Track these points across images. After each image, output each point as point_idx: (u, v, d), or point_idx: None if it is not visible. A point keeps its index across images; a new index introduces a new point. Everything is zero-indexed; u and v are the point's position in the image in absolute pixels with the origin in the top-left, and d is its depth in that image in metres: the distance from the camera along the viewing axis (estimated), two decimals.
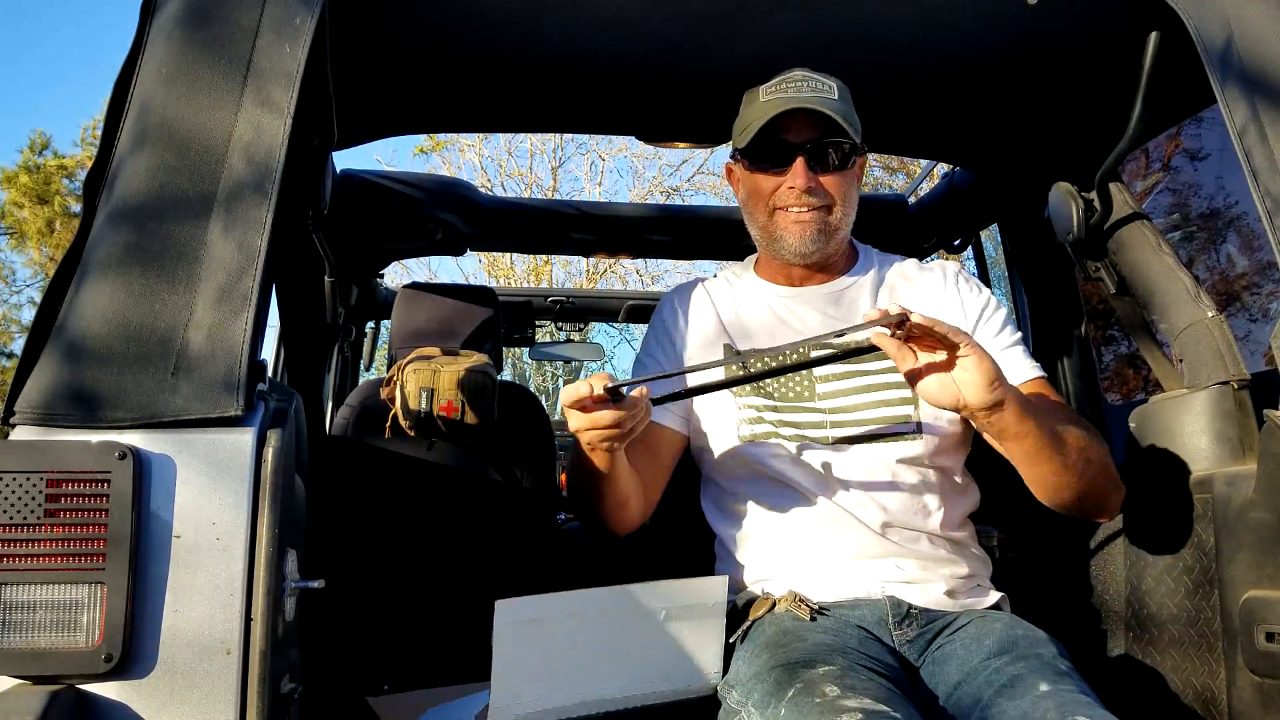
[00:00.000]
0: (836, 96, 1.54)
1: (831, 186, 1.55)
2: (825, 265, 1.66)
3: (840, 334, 1.38)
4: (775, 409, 1.57)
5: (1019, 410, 1.32)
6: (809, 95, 1.52)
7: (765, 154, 1.57)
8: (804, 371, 1.58)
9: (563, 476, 4.08)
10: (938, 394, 1.30)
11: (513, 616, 1.29)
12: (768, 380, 1.59)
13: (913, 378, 1.31)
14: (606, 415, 1.31)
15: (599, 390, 1.29)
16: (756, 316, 1.66)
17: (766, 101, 1.55)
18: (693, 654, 1.43)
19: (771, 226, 1.59)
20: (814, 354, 1.53)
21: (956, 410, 1.32)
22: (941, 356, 1.29)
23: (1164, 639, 1.67)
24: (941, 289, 1.63)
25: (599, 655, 1.37)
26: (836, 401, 1.56)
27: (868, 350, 1.36)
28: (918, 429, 1.54)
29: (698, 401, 1.63)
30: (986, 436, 1.40)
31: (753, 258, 1.76)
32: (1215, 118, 1.47)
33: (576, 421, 1.33)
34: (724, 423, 1.60)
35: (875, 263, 1.70)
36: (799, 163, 1.54)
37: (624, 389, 1.31)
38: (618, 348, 12.64)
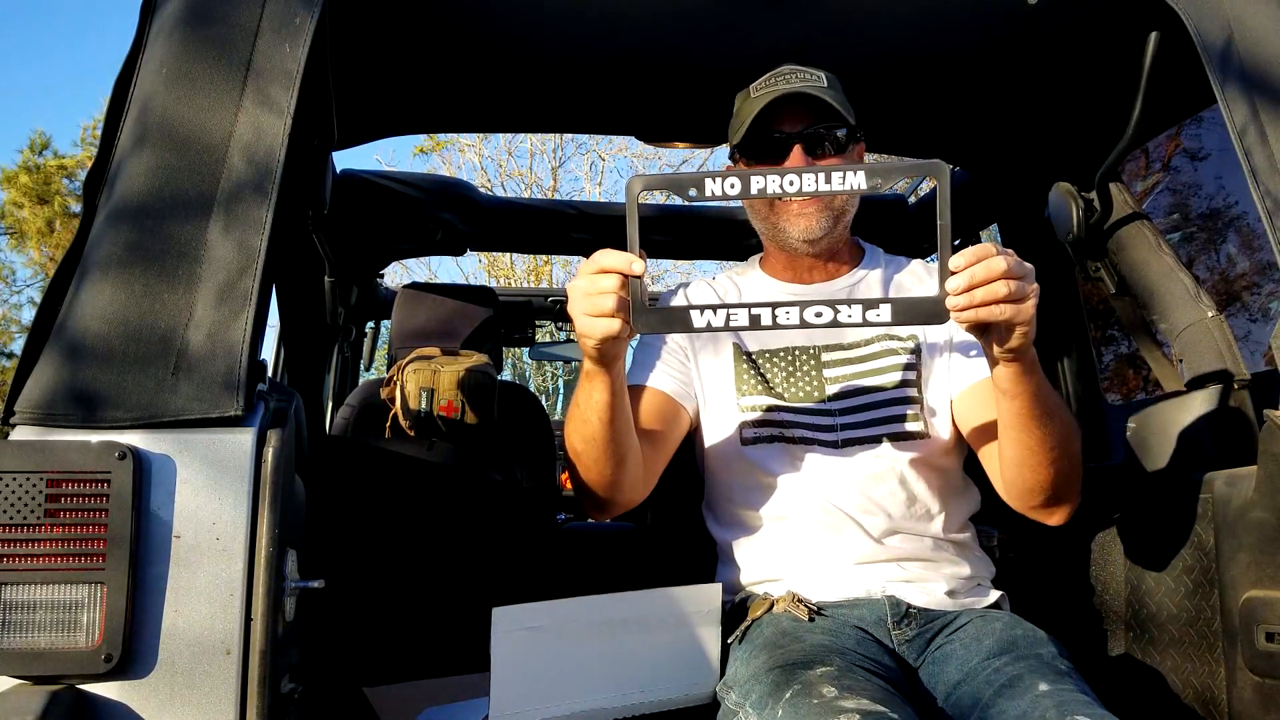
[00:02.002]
0: (826, 85, 1.55)
1: None
2: (832, 258, 1.65)
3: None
4: (782, 408, 1.56)
5: (1032, 365, 1.30)
6: (798, 84, 1.53)
7: (762, 147, 1.56)
8: (813, 370, 1.58)
9: (564, 476, 4.09)
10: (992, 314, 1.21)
11: (511, 624, 1.29)
12: (776, 378, 1.59)
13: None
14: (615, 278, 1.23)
15: (637, 269, 1.23)
16: None
17: (757, 96, 1.55)
18: (689, 661, 1.43)
19: (775, 218, 1.59)
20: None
21: (998, 325, 1.22)
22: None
23: (1164, 639, 1.67)
24: None
25: (596, 663, 1.38)
26: (847, 401, 1.56)
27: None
28: (925, 428, 1.54)
29: (701, 407, 1.63)
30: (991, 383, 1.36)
31: (756, 257, 1.76)
32: (1215, 118, 1.47)
33: (593, 279, 1.24)
34: (725, 427, 1.60)
35: (882, 261, 1.70)
36: (796, 150, 1.54)
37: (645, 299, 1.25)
38: None
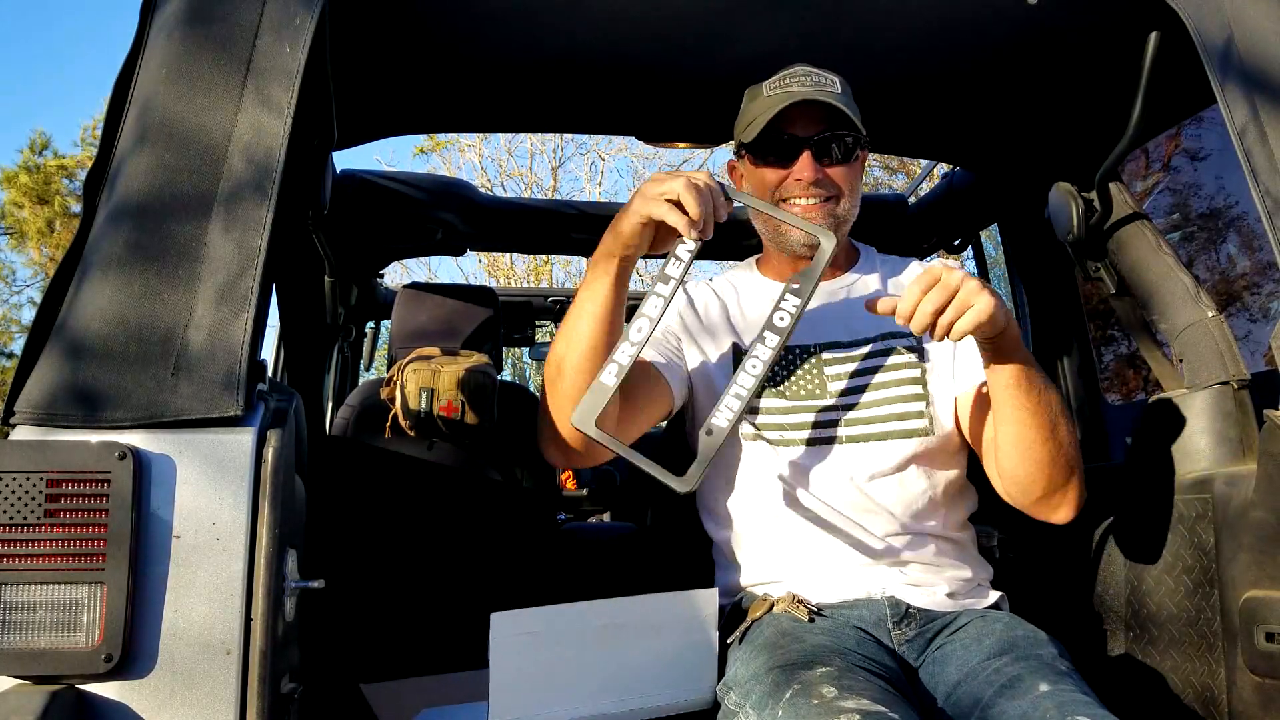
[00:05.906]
0: (839, 91, 1.55)
1: (838, 178, 1.55)
2: (831, 261, 1.66)
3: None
4: (786, 409, 1.56)
5: (1014, 343, 1.34)
6: (814, 89, 1.52)
7: (771, 147, 1.56)
8: (814, 368, 1.58)
9: (563, 476, 4.08)
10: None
11: (509, 629, 1.29)
12: (776, 377, 1.58)
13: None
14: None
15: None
16: (765, 315, 1.65)
17: (771, 96, 1.55)
18: (686, 666, 1.43)
19: (778, 221, 1.59)
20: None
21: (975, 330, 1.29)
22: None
23: (1164, 639, 1.67)
24: None
25: (594, 668, 1.38)
26: (851, 399, 1.56)
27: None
28: (929, 425, 1.54)
29: (697, 406, 1.62)
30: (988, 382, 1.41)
31: (754, 258, 1.76)
32: (1215, 118, 1.47)
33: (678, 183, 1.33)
34: None
35: (878, 261, 1.71)
36: (806, 155, 1.54)
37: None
38: None
